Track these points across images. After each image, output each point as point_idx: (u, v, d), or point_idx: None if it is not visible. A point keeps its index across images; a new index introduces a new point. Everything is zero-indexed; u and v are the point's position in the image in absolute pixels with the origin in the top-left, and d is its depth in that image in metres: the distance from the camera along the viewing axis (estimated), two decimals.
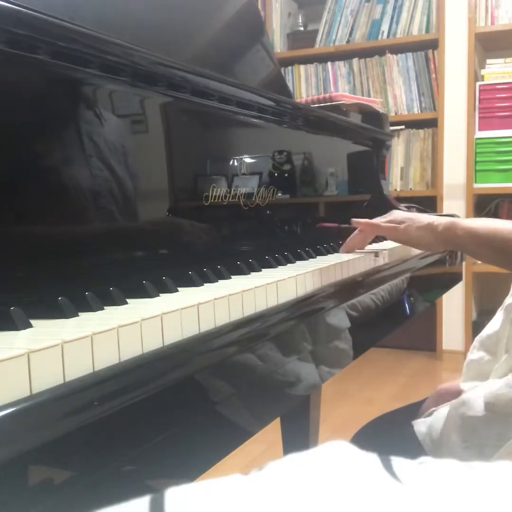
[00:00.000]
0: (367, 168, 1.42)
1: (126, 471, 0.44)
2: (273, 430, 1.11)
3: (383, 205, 1.39)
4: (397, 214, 0.99)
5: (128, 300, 0.58)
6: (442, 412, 0.81)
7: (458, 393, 0.89)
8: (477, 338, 0.94)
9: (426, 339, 3.19)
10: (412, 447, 0.80)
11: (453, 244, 0.95)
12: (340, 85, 3.36)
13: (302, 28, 3.58)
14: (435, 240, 0.93)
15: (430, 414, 0.85)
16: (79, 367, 0.42)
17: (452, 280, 1.46)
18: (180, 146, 0.82)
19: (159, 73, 0.73)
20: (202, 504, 0.29)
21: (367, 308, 0.88)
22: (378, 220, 1.00)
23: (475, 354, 0.91)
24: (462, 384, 0.89)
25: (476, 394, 0.79)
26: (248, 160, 0.94)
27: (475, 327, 3.03)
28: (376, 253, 1.01)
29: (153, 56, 0.70)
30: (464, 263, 1.54)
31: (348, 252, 1.01)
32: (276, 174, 1.03)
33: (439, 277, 1.35)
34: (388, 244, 1.14)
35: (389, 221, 0.98)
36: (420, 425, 0.82)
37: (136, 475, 0.46)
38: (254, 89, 0.95)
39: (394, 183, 3.24)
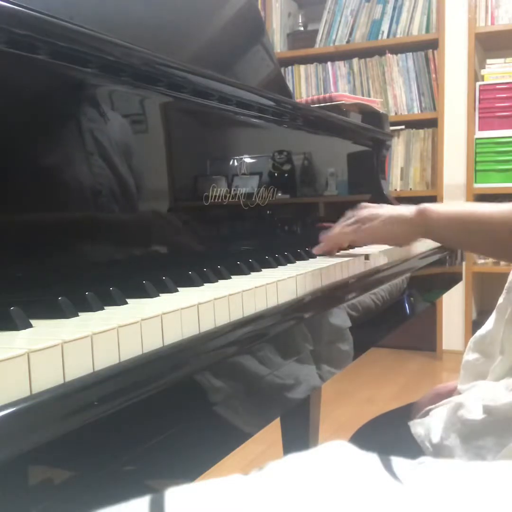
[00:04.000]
0: (367, 168, 1.42)
1: (126, 471, 0.44)
2: (273, 430, 1.11)
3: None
4: (361, 214, 0.94)
5: (128, 300, 0.58)
6: (439, 412, 0.81)
7: (455, 392, 0.89)
8: (472, 339, 0.94)
9: (426, 339, 3.19)
10: (412, 447, 0.80)
11: (428, 231, 0.89)
12: (340, 85, 3.36)
13: (302, 28, 3.58)
14: (407, 230, 0.89)
15: (426, 414, 0.85)
16: (79, 367, 0.42)
17: (452, 280, 1.45)
18: (180, 146, 0.82)
19: (159, 73, 0.73)
20: (202, 504, 0.29)
21: (367, 308, 0.88)
22: (342, 226, 0.95)
23: (470, 355, 0.91)
24: (460, 386, 0.89)
25: (474, 396, 0.79)
26: (248, 160, 0.94)
27: (475, 327, 3.03)
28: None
29: (153, 56, 0.70)
30: (464, 263, 1.54)
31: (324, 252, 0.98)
32: (276, 174, 1.03)
33: (439, 277, 1.34)
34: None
35: (355, 223, 0.93)
36: (418, 427, 0.81)
37: (136, 475, 0.46)
38: (254, 89, 0.95)
39: (394, 183, 3.24)
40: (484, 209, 0.81)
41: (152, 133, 0.77)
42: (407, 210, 0.89)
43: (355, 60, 3.33)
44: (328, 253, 0.98)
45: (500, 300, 0.89)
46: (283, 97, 1.03)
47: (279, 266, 0.86)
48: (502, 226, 0.78)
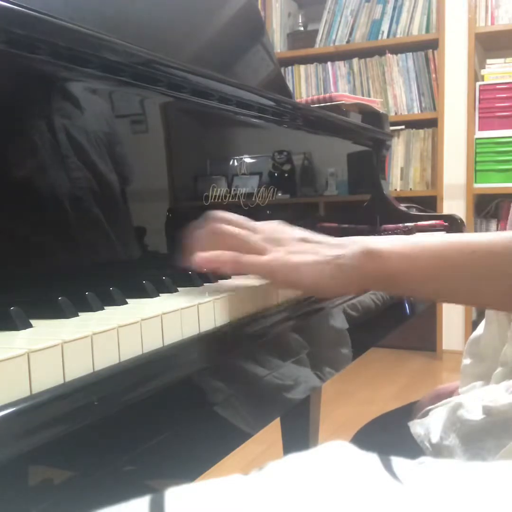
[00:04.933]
0: (367, 168, 1.42)
1: (126, 471, 0.44)
2: (273, 430, 1.10)
3: (383, 205, 1.39)
4: (266, 230, 0.65)
5: (128, 300, 0.58)
6: (439, 412, 0.81)
7: (455, 394, 0.89)
8: (467, 343, 0.94)
9: (426, 339, 3.19)
10: (412, 447, 0.80)
11: (383, 280, 0.59)
12: (340, 85, 3.36)
13: (302, 28, 3.58)
14: (344, 280, 0.59)
15: (426, 414, 0.85)
16: (79, 367, 0.42)
17: None
18: (180, 146, 0.82)
19: (159, 73, 0.73)
20: (202, 504, 0.29)
21: (367, 308, 0.88)
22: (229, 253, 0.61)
23: (467, 359, 0.92)
24: (460, 390, 0.89)
25: (474, 396, 0.79)
26: (248, 160, 0.94)
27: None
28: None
29: (153, 56, 0.70)
30: None
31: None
32: (276, 174, 1.03)
33: None
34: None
35: (254, 248, 0.62)
36: (417, 427, 0.81)
37: (136, 475, 0.46)
38: (254, 89, 0.94)
39: (394, 183, 3.24)
40: (476, 238, 0.57)
41: (152, 133, 0.77)
42: (341, 251, 0.59)
43: (355, 60, 3.34)
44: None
45: None
46: (283, 97, 1.03)
47: None
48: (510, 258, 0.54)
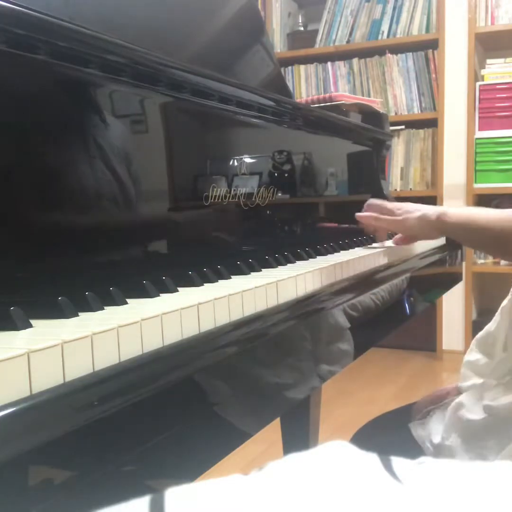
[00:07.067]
0: (367, 168, 1.42)
1: (126, 471, 0.44)
2: (273, 430, 1.10)
3: None
4: (396, 205, 1.10)
5: (128, 300, 0.58)
6: (440, 413, 0.81)
7: (456, 393, 0.89)
8: (474, 340, 0.94)
9: (426, 339, 3.19)
10: (412, 447, 0.80)
11: (443, 231, 1.06)
12: (340, 85, 3.36)
13: (302, 28, 3.58)
14: (429, 229, 1.03)
15: (426, 414, 0.85)
16: (79, 367, 0.42)
17: (452, 280, 1.45)
18: (180, 146, 0.82)
19: (159, 73, 0.73)
20: (202, 504, 0.29)
21: (367, 308, 0.88)
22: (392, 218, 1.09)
23: (472, 355, 0.92)
24: (460, 384, 0.89)
25: (475, 395, 0.79)
26: (248, 160, 0.94)
27: (475, 327, 3.03)
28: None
29: (153, 56, 0.70)
30: (464, 263, 1.54)
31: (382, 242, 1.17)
32: (276, 174, 1.03)
33: (439, 277, 1.34)
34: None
35: (390, 212, 1.08)
36: (418, 428, 0.81)
37: (136, 475, 0.46)
38: (254, 89, 0.95)
39: (394, 183, 3.24)
40: (485, 212, 0.94)
41: (152, 133, 0.77)
42: (431, 211, 1.02)
43: (355, 60, 3.33)
44: (379, 235, 1.18)
45: (505, 302, 0.90)
46: (283, 97, 1.03)
47: (279, 266, 0.86)
48: (495, 227, 0.91)
